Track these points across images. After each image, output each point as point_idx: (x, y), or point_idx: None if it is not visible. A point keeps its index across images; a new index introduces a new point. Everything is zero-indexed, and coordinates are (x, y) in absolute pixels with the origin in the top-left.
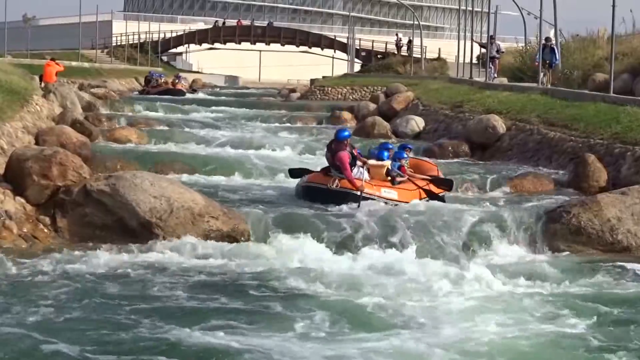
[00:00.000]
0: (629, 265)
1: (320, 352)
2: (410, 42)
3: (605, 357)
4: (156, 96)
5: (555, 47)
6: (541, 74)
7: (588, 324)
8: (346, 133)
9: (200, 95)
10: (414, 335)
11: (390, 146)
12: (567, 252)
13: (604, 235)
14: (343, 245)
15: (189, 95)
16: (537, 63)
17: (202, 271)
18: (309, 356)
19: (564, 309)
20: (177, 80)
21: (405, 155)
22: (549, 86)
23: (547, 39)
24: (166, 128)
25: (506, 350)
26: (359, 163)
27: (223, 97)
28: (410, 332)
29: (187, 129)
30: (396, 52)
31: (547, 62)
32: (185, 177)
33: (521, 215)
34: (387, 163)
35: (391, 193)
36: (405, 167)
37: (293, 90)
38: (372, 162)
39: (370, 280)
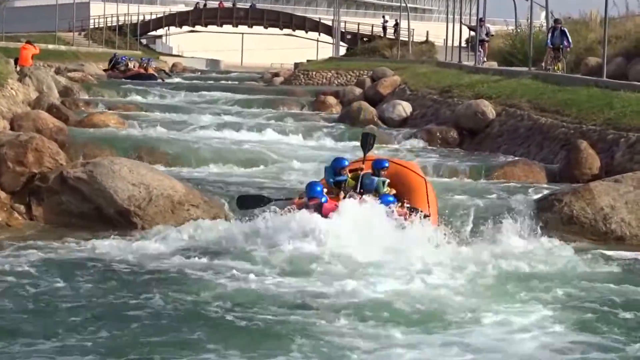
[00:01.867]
0: (622, 255)
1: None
2: (397, 24)
3: (594, 350)
4: (131, 81)
5: (565, 30)
6: (549, 60)
7: (577, 318)
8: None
9: (176, 79)
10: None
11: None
12: (559, 242)
13: (597, 225)
14: None
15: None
16: (549, 48)
17: (181, 261)
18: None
19: (554, 301)
20: (146, 64)
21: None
22: (563, 73)
23: (557, 21)
24: (145, 113)
25: (494, 343)
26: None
27: (202, 82)
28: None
29: (167, 114)
30: (383, 35)
31: (558, 46)
32: (164, 164)
33: (511, 204)
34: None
35: None
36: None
37: (276, 75)
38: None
39: (346, 263)
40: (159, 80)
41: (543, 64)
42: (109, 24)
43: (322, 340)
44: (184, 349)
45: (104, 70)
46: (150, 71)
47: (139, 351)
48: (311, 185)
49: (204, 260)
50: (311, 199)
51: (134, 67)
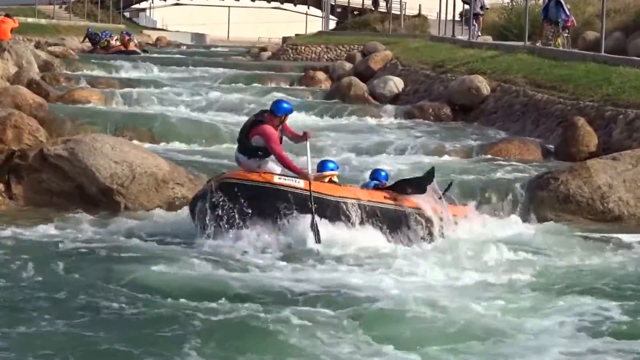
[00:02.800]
0: (620, 236)
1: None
2: None
3: (591, 331)
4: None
5: (562, 2)
6: (549, 35)
7: (576, 299)
8: (286, 105)
9: (155, 55)
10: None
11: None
12: (555, 222)
13: (594, 204)
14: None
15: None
16: (545, 22)
17: (165, 240)
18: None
19: (550, 282)
20: (128, 39)
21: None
22: (568, 49)
23: None
24: (128, 89)
25: (490, 324)
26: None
27: (187, 57)
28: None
29: (151, 90)
30: (374, 9)
31: (557, 20)
32: (148, 141)
33: (506, 183)
34: (333, 174)
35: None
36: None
37: (264, 49)
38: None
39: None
40: (141, 54)
41: (543, 40)
42: None
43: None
44: (164, 332)
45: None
46: (132, 47)
47: (117, 335)
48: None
49: (190, 241)
50: None
51: (115, 43)
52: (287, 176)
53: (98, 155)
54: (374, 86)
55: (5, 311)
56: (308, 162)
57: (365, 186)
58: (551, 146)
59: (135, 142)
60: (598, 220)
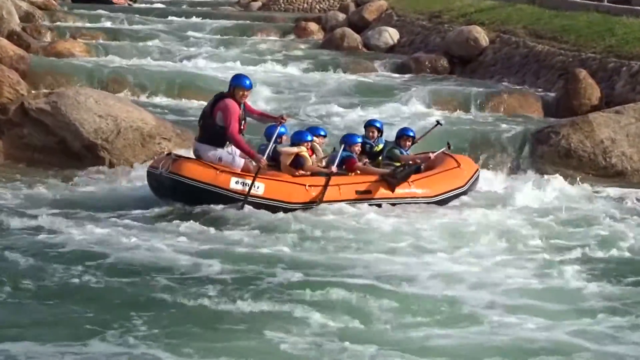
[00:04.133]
0: (624, 192)
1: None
2: None
3: (591, 288)
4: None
5: None
6: None
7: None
8: (247, 81)
9: (143, 5)
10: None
11: (323, 132)
12: (555, 177)
13: (596, 159)
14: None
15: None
16: None
17: (151, 197)
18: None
19: (547, 236)
20: None
21: (359, 141)
22: None
23: None
24: (113, 42)
25: (492, 281)
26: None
27: (173, 7)
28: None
29: (136, 42)
30: None
31: None
32: (133, 94)
33: (506, 137)
34: (301, 149)
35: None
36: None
37: None
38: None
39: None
40: (126, 5)
41: None
42: None
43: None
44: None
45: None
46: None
47: (102, 299)
48: None
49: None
50: None
51: None
52: (247, 175)
53: (82, 109)
54: (369, 37)
55: None
56: (269, 147)
57: (331, 160)
58: (552, 98)
59: (119, 95)
60: (600, 176)
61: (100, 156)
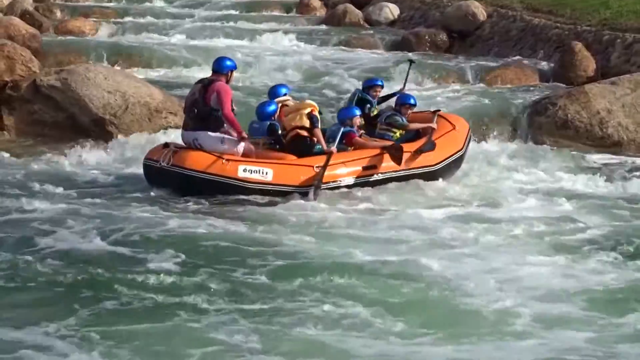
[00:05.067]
0: (620, 160)
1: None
2: None
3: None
4: None
5: None
6: None
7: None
8: (229, 62)
9: None
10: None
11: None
12: (553, 148)
13: (593, 129)
14: None
15: None
16: None
17: None
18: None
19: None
20: None
21: (358, 114)
22: None
23: None
24: (122, 20)
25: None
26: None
27: None
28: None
29: (143, 20)
30: None
31: None
32: (141, 70)
33: (503, 108)
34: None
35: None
36: (356, 134)
37: None
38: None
39: None
40: None
41: None
42: None
43: None
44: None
45: None
46: None
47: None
48: None
49: None
50: None
51: None
52: (253, 162)
53: (91, 85)
54: (370, 13)
55: None
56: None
57: (332, 135)
58: (548, 69)
59: (128, 70)
60: (597, 146)
61: (108, 130)
